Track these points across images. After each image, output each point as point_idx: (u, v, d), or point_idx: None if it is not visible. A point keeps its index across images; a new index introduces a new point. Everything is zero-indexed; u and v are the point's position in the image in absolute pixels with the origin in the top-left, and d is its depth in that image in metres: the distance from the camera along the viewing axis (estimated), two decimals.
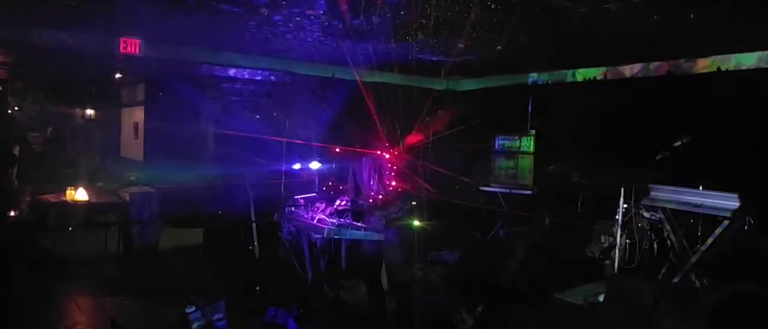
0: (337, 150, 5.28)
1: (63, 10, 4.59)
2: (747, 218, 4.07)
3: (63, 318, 4.09)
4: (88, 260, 5.67)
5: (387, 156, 4.56)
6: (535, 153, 6.71)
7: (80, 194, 5.79)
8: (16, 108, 7.88)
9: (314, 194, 5.11)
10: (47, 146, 8.62)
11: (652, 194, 4.57)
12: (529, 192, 6.56)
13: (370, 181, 4.53)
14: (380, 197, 4.42)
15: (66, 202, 5.76)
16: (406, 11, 4.24)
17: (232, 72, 7.40)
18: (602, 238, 5.14)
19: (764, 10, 3.83)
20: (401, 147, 4.67)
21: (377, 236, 4.21)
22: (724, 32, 4.66)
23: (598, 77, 6.61)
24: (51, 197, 5.83)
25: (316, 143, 6.15)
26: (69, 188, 5.83)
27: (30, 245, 5.14)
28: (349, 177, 4.81)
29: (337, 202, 4.68)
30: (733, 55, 5.39)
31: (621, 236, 4.56)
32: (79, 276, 5.14)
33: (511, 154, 6.88)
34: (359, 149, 4.81)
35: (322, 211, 4.66)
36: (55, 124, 8.84)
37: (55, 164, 7.97)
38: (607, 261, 4.85)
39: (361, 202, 4.54)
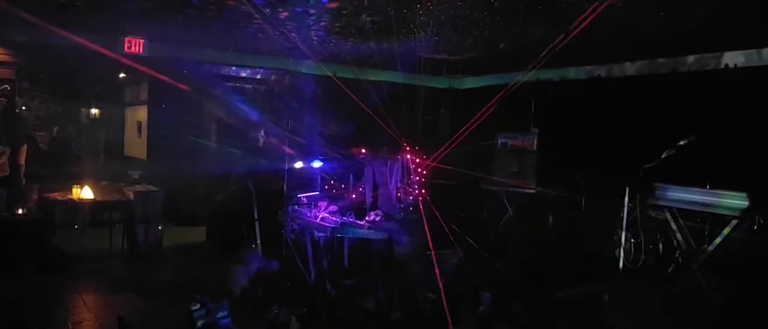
0: (345, 150, 5.27)
1: (69, 10, 4.61)
2: (756, 217, 4.02)
3: (70, 315, 4.12)
4: (93, 257, 5.70)
5: (410, 158, 4.53)
6: (539, 151, 6.66)
7: (86, 193, 5.83)
8: (23, 108, 7.94)
9: (317, 193, 5.11)
10: (53, 145, 8.69)
11: (658, 193, 4.52)
12: (532, 190, 6.52)
13: (396, 184, 4.50)
14: (405, 202, 4.41)
15: (72, 200, 5.81)
16: (408, 9, 4.22)
17: (234, 71, 7.41)
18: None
19: None
20: (414, 149, 4.65)
21: (380, 235, 4.20)
22: (731, 28, 4.61)
23: (603, 75, 6.56)
24: (58, 196, 5.88)
25: (319, 142, 6.14)
26: (75, 186, 5.87)
27: (37, 242, 5.19)
28: (366, 179, 4.78)
29: (370, 216, 4.62)
30: (741, 52, 5.33)
31: (626, 235, 4.51)
32: (86, 274, 5.18)
33: (514, 152, 6.83)
34: (369, 150, 4.79)
35: (326, 209, 4.66)
36: (60, 123, 8.91)
37: (60, 163, 8.02)
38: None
39: (393, 213, 4.50)
